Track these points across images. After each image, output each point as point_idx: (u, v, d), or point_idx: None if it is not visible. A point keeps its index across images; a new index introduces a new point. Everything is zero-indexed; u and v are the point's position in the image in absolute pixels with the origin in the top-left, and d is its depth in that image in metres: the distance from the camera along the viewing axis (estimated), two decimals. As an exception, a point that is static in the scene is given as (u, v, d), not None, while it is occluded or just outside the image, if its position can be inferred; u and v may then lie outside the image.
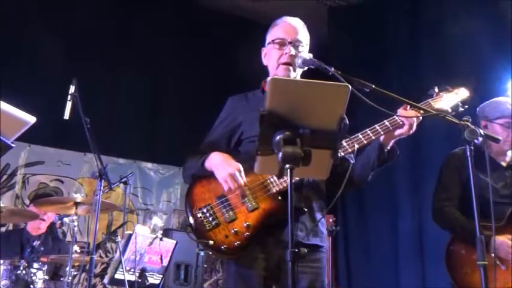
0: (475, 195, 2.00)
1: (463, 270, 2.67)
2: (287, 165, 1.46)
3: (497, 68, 4.71)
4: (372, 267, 6.04)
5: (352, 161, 2.35)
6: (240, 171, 2.11)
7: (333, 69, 2.03)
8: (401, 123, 2.12)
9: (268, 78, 1.47)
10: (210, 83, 6.47)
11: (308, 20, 2.43)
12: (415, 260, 5.55)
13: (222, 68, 6.42)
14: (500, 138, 2.27)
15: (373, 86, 2.07)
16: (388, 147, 2.20)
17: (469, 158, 2.04)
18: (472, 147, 2.04)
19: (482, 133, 2.06)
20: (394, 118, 2.12)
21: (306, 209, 2.18)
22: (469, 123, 2.04)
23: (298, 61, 2.18)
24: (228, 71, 6.22)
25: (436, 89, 2.24)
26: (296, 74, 2.29)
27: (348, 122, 1.47)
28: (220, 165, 2.16)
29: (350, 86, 1.50)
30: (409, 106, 2.13)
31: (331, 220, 4.61)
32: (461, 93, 2.26)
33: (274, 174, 1.55)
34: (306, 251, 1.45)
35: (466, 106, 2.29)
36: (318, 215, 2.27)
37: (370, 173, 2.27)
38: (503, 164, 2.88)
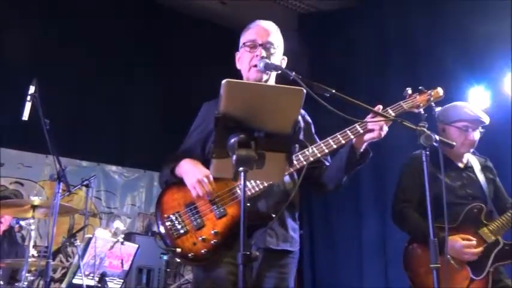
0: (433, 196, 2.04)
1: (420, 270, 2.72)
2: (241, 168, 1.46)
3: (460, 78, 4.84)
4: (337, 269, 6.10)
5: (327, 163, 2.38)
6: (208, 176, 2.11)
7: (293, 73, 2.04)
8: (373, 127, 2.14)
9: (223, 81, 1.46)
10: (179, 87, 6.43)
11: (277, 25, 2.43)
12: (378, 261, 5.62)
13: (192, 72, 6.39)
14: (454, 143, 2.32)
15: (333, 91, 2.09)
16: (361, 151, 2.22)
17: (425, 163, 2.08)
18: (427, 153, 2.09)
19: (438, 139, 2.11)
20: (365, 122, 2.14)
21: (274, 215, 2.18)
22: (425, 129, 2.08)
23: (261, 65, 2.17)
24: (198, 75, 6.19)
25: (409, 91, 2.27)
26: (268, 77, 2.28)
27: (302, 126, 1.47)
28: (190, 171, 2.16)
29: (304, 90, 1.51)
30: (380, 111, 2.16)
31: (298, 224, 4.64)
32: (435, 94, 2.29)
33: (229, 177, 1.53)
34: (258, 254, 1.44)
35: (440, 108, 2.33)
36: (289, 221, 2.28)
37: (344, 175, 2.29)
38: (461, 165, 2.95)
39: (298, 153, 2.18)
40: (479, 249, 2.69)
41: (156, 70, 6.48)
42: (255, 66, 2.25)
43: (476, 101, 4.52)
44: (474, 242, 2.70)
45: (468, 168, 2.95)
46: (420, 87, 2.29)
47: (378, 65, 5.76)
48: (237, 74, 2.39)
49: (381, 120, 2.13)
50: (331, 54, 6.18)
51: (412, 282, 2.79)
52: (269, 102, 1.49)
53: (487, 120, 2.91)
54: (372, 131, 2.14)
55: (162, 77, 6.46)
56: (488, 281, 2.65)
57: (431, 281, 1.96)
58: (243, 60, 2.35)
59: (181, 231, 2.14)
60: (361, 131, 2.15)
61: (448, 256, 2.69)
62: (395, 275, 5.19)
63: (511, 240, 2.78)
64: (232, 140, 1.48)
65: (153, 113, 6.33)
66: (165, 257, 4.47)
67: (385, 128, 2.15)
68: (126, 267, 4.08)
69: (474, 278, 2.67)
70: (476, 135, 2.90)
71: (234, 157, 1.46)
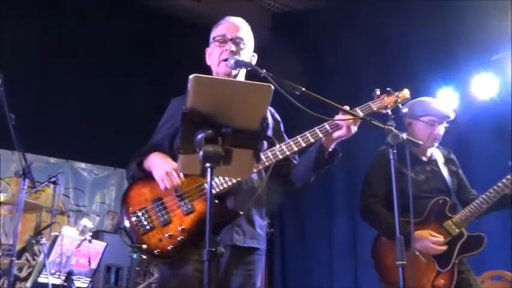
0: (399, 191, 2.08)
1: (388, 264, 2.75)
2: (207, 164, 1.45)
3: (429, 79, 4.93)
4: (307, 268, 6.14)
5: (296, 162, 2.39)
6: (176, 169, 2.08)
7: (264, 71, 2.05)
8: (341, 125, 2.15)
9: (190, 76, 1.45)
10: (149, 83, 6.35)
11: (252, 23, 2.43)
12: (348, 260, 5.69)
13: (162, 68, 6.32)
14: (420, 142, 2.36)
15: (303, 89, 2.10)
16: (330, 149, 2.23)
17: (392, 161, 2.11)
18: (395, 151, 2.12)
19: (405, 137, 2.14)
20: (333, 122, 2.15)
21: (241, 213, 2.17)
22: (392, 128, 2.11)
23: (231, 62, 2.17)
24: (168, 71, 6.12)
25: (378, 92, 2.30)
26: (238, 73, 2.27)
27: (270, 122, 1.47)
28: (158, 164, 2.14)
29: (272, 87, 1.50)
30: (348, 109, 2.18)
31: (265, 223, 4.65)
32: (402, 96, 2.32)
33: (196, 173, 1.52)
34: (223, 250, 1.43)
35: (407, 109, 2.36)
36: (257, 218, 2.28)
37: (312, 174, 2.30)
38: (425, 159, 3.00)
39: (267, 151, 2.18)
40: (445, 247, 2.74)
41: (125, 66, 6.38)
42: (225, 60, 2.24)
43: (445, 102, 4.61)
44: (441, 238, 2.75)
45: (432, 161, 3.00)
46: (388, 89, 2.33)
47: (349, 64, 5.82)
48: (208, 71, 2.39)
49: (350, 119, 2.14)
50: (304, 53, 6.21)
51: (380, 276, 2.83)
52: (237, 98, 1.48)
53: (452, 115, 2.97)
54: (340, 130, 2.15)
55: (133, 73, 6.37)
56: (454, 272, 2.71)
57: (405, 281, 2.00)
58: (212, 55, 2.33)
59: (148, 227, 2.11)
60: (330, 130, 2.16)
61: (416, 251, 2.73)
62: (365, 273, 5.26)
63: (474, 231, 2.84)
64: (199, 136, 1.47)
65: (124, 110, 6.23)
66: (135, 256, 4.42)
67: (354, 128, 2.17)
68: (94, 265, 4.02)
69: (440, 270, 2.72)
70: (441, 129, 2.95)
71: (201, 153, 1.45)
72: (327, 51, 6.14)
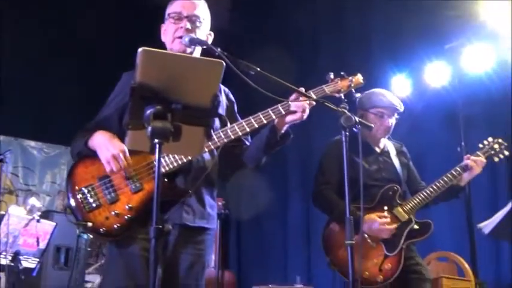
0: (351, 178, 2.11)
1: (337, 248, 2.81)
2: (156, 140, 1.42)
3: (384, 66, 5.01)
4: (262, 249, 6.20)
5: (248, 143, 2.38)
6: (124, 152, 2.03)
7: (219, 49, 2.02)
8: (292, 109, 2.15)
9: (139, 50, 1.40)
10: (102, 59, 6.16)
11: (210, 2, 2.38)
12: (302, 242, 5.77)
13: (114, 44, 6.14)
14: (372, 125, 2.41)
15: (258, 69, 2.09)
16: (282, 131, 2.23)
17: (344, 143, 2.14)
18: (347, 133, 2.15)
19: (357, 120, 2.17)
20: (287, 103, 2.15)
21: (191, 192, 2.15)
22: (345, 111, 2.13)
23: (186, 39, 2.12)
24: (122, 47, 5.94)
25: (332, 75, 2.31)
26: (192, 51, 2.22)
27: (221, 100, 1.44)
28: (103, 145, 2.07)
29: (224, 63, 1.48)
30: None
31: (220, 204, 4.65)
32: (356, 80, 2.34)
33: (145, 150, 1.49)
34: (171, 227, 1.41)
35: (359, 94, 2.38)
36: (207, 198, 2.26)
37: (263, 155, 2.29)
38: (378, 150, 3.08)
39: (219, 130, 2.17)
40: (393, 226, 2.81)
41: (74, 42, 6.17)
42: (180, 38, 2.19)
43: (398, 89, 4.71)
44: (389, 220, 2.82)
45: (384, 153, 3.08)
46: (342, 73, 2.34)
47: (307, 48, 5.84)
48: (163, 48, 2.33)
49: (303, 101, 2.15)
50: (262, 34, 6.18)
51: (330, 259, 2.88)
52: (187, 73, 1.45)
53: (401, 108, 3.04)
54: (294, 112, 2.15)
55: (82, 49, 6.17)
56: (401, 256, 2.79)
57: (353, 260, 2.04)
58: (167, 31, 2.28)
59: (94, 204, 2.06)
60: (283, 112, 2.16)
61: (365, 234, 2.80)
62: (317, 256, 5.36)
63: (422, 218, 2.93)
64: (148, 111, 1.43)
65: (76, 86, 6.04)
66: (85, 236, 4.32)
67: (307, 111, 2.17)
68: (43, 245, 3.91)
69: (388, 254, 2.80)
70: (391, 121, 3.02)
71: (149, 129, 1.41)
72: (285, 34, 6.13)
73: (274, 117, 2.16)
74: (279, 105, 2.16)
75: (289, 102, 2.13)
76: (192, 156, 2.05)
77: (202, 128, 1.55)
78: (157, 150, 1.42)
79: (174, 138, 1.44)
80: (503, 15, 4.20)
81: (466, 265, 3.86)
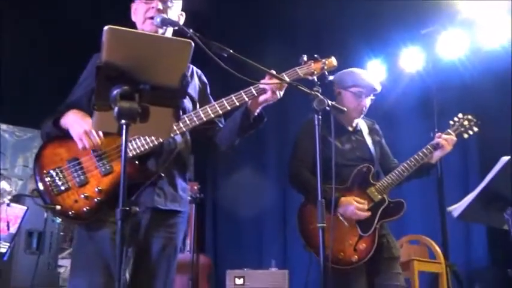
0: (325, 158, 2.13)
1: (311, 227, 2.82)
2: (123, 121, 1.39)
3: (359, 50, 5.02)
4: (239, 235, 6.22)
5: (221, 125, 2.36)
6: (97, 130, 1.99)
7: (191, 30, 1.99)
8: (265, 88, 2.14)
9: (105, 28, 1.37)
10: (73, 40, 6.00)
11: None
12: (278, 226, 5.81)
13: (83, 24, 5.97)
14: (345, 109, 2.41)
15: (231, 51, 2.07)
16: (256, 114, 2.22)
17: (317, 126, 2.14)
18: (320, 117, 2.15)
19: (330, 104, 2.17)
20: (259, 85, 2.14)
21: (163, 174, 2.13)
22: (318, 94, 2.13)
23: (157, 20, 2.08)
24: (92, 28, 5.80)
25: (305, 58, 2.29)
26: (164, 32, 2.19)
27: (189, 80, 1.42)
28: (76, 122, 2.03)
29: (192, 43, 1.45)
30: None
31: (195, 188, 4.64)
32: (329, 63, 2.33)
33: (113, 131, 1.46)
34: (138, 209, 1.40)
35: (332, 77, 2.38)
36: (179, 181, 2.25)
37: (237, 137, 2.28)
38: (350, 129, 3.07)
39: (191, 112, 2.15)
40: (368, 211, 2.83)
41: (46, 26, 6.01)
42: (151, 18, 2.15)
43: (373, 73, 4.73)
44: (365, 204, 2.84)
45: (357, 131, 3.08)
46: (315, 55, 2.33)
47: (282, 31, 5.79)
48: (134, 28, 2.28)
49: (275, 83, 2.14)
50: (236, 17, 6.10)
51: (305, 241, 2.90)
52: (155, 53, 1.42)
53: (379, 88, 3.04)
54: (266, 94, 2.14)
55: (53, 30, 6.01)
56: (375, 236, 2.81)
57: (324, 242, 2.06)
58: (138, 11, 2.24)
59: (62, 187, 2.03)
60: (256, 94, 2.15)
61: (339, 216, 2.82)
62: (293, 239, 5.40)
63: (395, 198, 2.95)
64: (115, 92, 1.40)
65: (48, 69, 5.90)
66: (58, 220, 4.26)
67: (280, 93, 2.17)
68: (13, 230, 3.85)
69: (362, 234, 2.82)
70: (368, 101, 3.02)
71: (116, 109, 1.38)
72: (259, 17, 6.07)
73: (246, 99, 2.15)
74: (252, 87, 2.15)
75: (261, 85, 2.11)
76: (162, 138, 2.02)
77: (171, 109, 1.53)
78: (124, 131, 1.39)
79: (141, 120, 1.42)
80: (478, 2, 4.25)
81: (437, 247, 3.95)
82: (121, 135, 1.39)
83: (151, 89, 1.43)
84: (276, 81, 2.14)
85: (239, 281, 4.72)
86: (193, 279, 4.23)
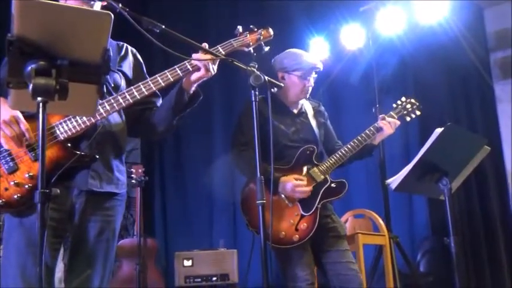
0: (268, 139, 2.13)
1: (252, 206, 2.80)
2: (39, 99, 1.31)
3: (302, 28, 5.02)
4: (188, 217, 6.16)
5: (158, 104, 2.30)
6: (17, 117, 1.89)
7: (120, 5, 1.90)
8: (197, 65, 2.10)
9: (13, -1, 1.27)
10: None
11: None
12: (227, 207, 5.79)
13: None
14: (282, 85, 2.40)
15: (163, 27, 2.02)
16: (191, 92, 2.18)
17: (254, 102, 2.12)
18: (257, 93, 2.13)
19: (267, 79, 2.14)
20: (191, 60, 2.09)
21: (97, 156, 2.06)
22: (255, 69, 2.10)
23: None
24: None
25: (240, 29, 2.26)
26: (91, 6, 2.02)
27: (111, 54, 1.35)
28: None
29: (112, 15, 1.38)
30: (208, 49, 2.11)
31: (140, 170, 4.54)
32: (265, 34, 2.30)
33: (31, 110, 1.37)
34: (58, 191, 1.33)
35: (268, 48, 2.35)
36: (115, 163, 2.18)
37: (173, 117, 2.23)
38: (295, 111, 3.07)
39: (124, 91, 2.08)
40: (309, 188, 2.85)
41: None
42: None
43: (316, 51, 4.75)
44: (305, 182, 2.85)
45: (302, 114, 3.08)
46: (251, 26, 2.29)
47: (224, 8, 5.70)
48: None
49: (210, 59, 2.09)
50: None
51: (247, 221, 2.89)
52: (72, 26, 1.33)
53: (321, 66, 3.04)
54: (199, 70, 2.10)
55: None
56: (316, 216, 2.82)
57: (263, 218, 2.05)
58: None
59: None
60: (191, 69, 2.11)
61: (281, 195, 2.82)
62: (242, 221, 5.40)
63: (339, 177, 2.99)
64: (29, 68, 1.32)
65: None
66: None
67: (213, 67, 2.12)
68: None
69: (304, 214, 2.83)
70: (312, 81, 3.02)
71: (31, 86, 1.30)
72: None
73: (181, 74, 2.10)
74: (186, 61, 2.10)
75: (194, 60, 2.06)
76: (86, 116, 1.94)
77: (95, 86, 1.45)
78: (40, 109, 1.31)
79: (60, 97, 1.34)
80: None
81: (380, 220, 4.04)
82: (37, 113, 1.31)
83: (70, 64, 1.35)
84: (210, 56, 2.10)
85: (187, 263, 4.70)
86: (140, 263, 4.16)
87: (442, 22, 4.40)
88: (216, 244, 5.29)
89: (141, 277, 4.17)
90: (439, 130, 2.35)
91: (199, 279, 4.67)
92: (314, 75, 3.02)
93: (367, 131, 2.99)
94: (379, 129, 3.01)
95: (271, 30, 2.32)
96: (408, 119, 3.19)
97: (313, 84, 3.03)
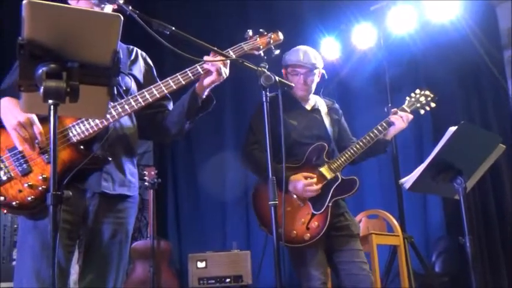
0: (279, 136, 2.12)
1: (265, 207, 2.79)
2: (50, 101, 1.32)
3: (313, 28, 5.00)
4: (201, 219, 6.16)
5: (170, 108, 2.31)
6: (31, 120, 1.89)
7: (130, 7, 1.91)
8: (209, 69, 2.10)
9: (24, 1, 1.28)
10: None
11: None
12: (240, 207, 5.79)
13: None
14: (293, 85, 2.39)
15: (173, 28, 2.02)
16: (204, 96, 2.18)
17: (265, 103, 2.11)
18: (267, 93, 2.12)
19: (278, 79, 2.14)
20: (204, 62, 2.09)
21: (110, 159, 2.07)
22: (265, 70, 2.09)
23: None
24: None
25: (250, 33, 2.26)
26: (102, 9, 2.03)
27: (121, 56, 1.35)
28: (10, 111, 1.91)
29: (122, 17, 1.38)
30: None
31: (153, 173, 4.56)
32: (275, 37, 2.30)
33: (43, 113, 1.38)
34: (71, 194, 1.33)
35: (278, 51, 2.35)
36: (127, 165, 2.18)
37: (186, 121, 2.23)
38: (308, 107, 3.05)
39: (136, 94, 2.10)
40: (319, 186, 2.82)
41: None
42: None
43: (327, 51, 4.73)
44: (314, 180, 2.83)
45: (315, 110, 3.06)
46: (261, 30, 2.30)
47: (235, 10, 5.70)
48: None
49: (220, 60, 2.09)
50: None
51: (259, 220, 2.89)
52: (82, 28, 1.34)
53: (320, 64, 3.01)
54: (211, 76, 2.11)
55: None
56: (327, 214, 2.80)
57: (276, 219, 2.04)
58: None
59: (4, 178, 1.94)
60: (202, 72, 2.11)
61: (293, 194, 2.81)
62: (255, 220, 5.39)
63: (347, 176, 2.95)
64: (40, 70, 1.32)
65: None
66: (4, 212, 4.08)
67: (225, 70, 2.13)
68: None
69: (315, 212, 2.81)
70: (316, 78, 3.00)
71: (42, 89, 1.31)
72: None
73: (192, 77, 2.10)
74: (197, 65, 2.11)
75: (205, 63, 2.06)
76: (97, 118, 1.95)
77: (105, 88, 1.46)
78: (52, 112, 1.32)
79: (71, 99, 1.35)
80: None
81: (394, 221, 4.00)
82: (49, 115, 1.32)
83: (81, 66, 1.36)
84: (221, 58, 2.10)
85: (201, 264, 4.70)
86: (153, 265, 4.17)
87: (453, 20, 4.36)
88: (229, 245, 5.29)
89: (155, 279, 4.19)
90: (452, 128, 2.32)
91: (212, 281, 4.68)
92: (316, 73, 2.99)
93: (379, 126, 2.95)
94: (391, 124, 2.96)
95: (281, 34, 2.31)
96: (422, 111, 3.10)
97: (309, 82, 2.98)
